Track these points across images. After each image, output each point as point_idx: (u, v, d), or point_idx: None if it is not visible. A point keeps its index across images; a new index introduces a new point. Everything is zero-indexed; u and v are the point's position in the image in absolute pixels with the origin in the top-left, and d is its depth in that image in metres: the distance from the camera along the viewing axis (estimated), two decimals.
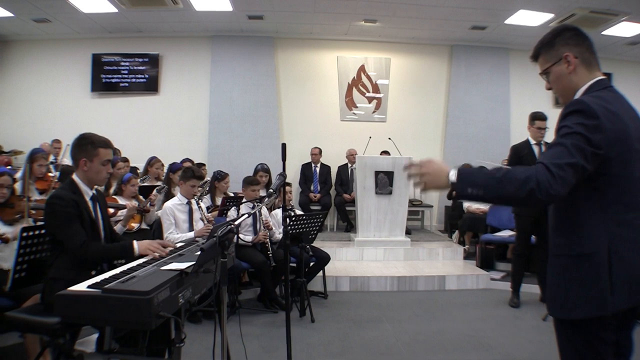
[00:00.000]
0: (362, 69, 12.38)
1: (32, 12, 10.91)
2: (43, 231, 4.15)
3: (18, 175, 6.69)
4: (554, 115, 2.99)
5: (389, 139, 10.36)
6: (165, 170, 8.35)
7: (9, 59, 12.89)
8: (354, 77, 12.36)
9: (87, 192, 3.68)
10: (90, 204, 3.67)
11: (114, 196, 6.52)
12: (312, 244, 6.80)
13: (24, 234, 4.02)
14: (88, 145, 3.64)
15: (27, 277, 4.11)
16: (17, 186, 5.67)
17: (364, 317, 6.31)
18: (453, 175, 2.21)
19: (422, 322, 6.12)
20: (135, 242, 3.50)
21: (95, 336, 3.44)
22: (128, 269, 3.08)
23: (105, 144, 3.69)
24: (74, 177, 3.69)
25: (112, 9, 10.58)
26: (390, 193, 9.01)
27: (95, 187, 3.79)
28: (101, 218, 3.76)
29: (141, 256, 3.43)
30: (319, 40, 12.20)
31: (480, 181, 2.15)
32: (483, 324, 6.07)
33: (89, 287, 2.67)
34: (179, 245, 4.00)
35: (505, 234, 8.36)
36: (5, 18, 11.24)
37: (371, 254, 8.93)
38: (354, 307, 6.77)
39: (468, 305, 6.93)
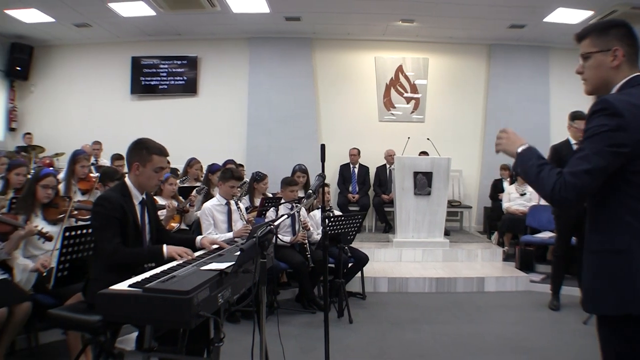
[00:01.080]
0: (399, 69, 12.32)
1: (73, 17, 11.15)
2: (85, 231, 4.22)
3: (61, 176, 6.81)
4: None
5: (428, 139, 10.28)
6: (204, 171, 8.42)
7: (51, 63, 13.17)
8: (392, 78, 12.30)
9: (137, 196, 3.70)
10: (138, 208, 3.69)
11: (154, 197, 6.58)
12: (351, 245, 6.79)
13: (67, 234, 4.09)
14: (143, 150, 3.64)
15: (69, 276, 4.18)
16: (61, 187, 5.76)
17: (402, 318, 6.28)
18: (520, 149, 2.37)
19: (460, 324, 6.07)
20: (164, 247, 3.50)
21: (135, 334, 3.48)
22: (168, 268, 3.11)
23: (160, 151, 3.69)
24: (126, 179, 3.72)
25: (151, 12, 10.73)
26: (429, 194, 8.94)
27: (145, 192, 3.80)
28: (147, 222, 3.77)
29: (170, 260, 3.44)
30: (356, 40, 12.17)
31: (527, 168, 2.31)
32: (522, 326, 5.99)
33: (130, 286, 2.70)
34: (216, 246, 4.02)
35: (545, 235, 8.22)
36: (47, 23, 11.50)
37: (410, 255, 8.88)
38: (392, 308, 6.75)
39: (507, 308, 6.84)
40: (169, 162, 8.21)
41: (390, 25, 11.36)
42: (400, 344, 5.38)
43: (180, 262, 3.35)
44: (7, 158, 6.99)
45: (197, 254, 3.62)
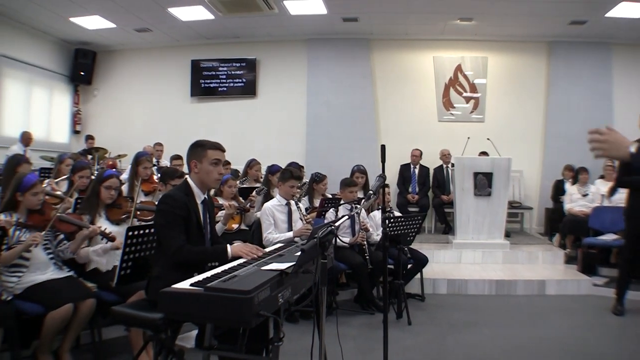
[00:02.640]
0: (458, 68, 12.17)
1: (134, 22, 11.47)
2: (147, 231, 4.30)
3: (123, 177, 6.95)
4: None
5: (488, 139, 10.12)
6: (263, 172, 8.48)
7: (113, 68, 13.52)
8: (451, 77, 12.17)
9: (199, 196, 3.75)
10: (200, 207, 3.74)
11: (213, 197, 6.66)
12: (410, 246, 6.74)
13: (130, 234, 4.17)
14: (198, 148, 3.73)
15: (131, 274, 4.26)
16: (124, 188, 5.89)
17: (462, 320, 6.19)
18: (633, 148, 2.25)
19: (520, 328, 5.93)
20: (228, 246, 3.54)
21: (194, 332, 3.51)
22: (229, 268, 3.14)
23: (215, 146, 3.75)
24: (188, 179, 3.78)
25: (210, 16, 10.90)
26: (489, 194, 8.81)
27: (206, 192, 3.85)
28: (209, 222, 3.83)
29: (234, 258, 3.47)
30: (414, 40, 12.08)
31: None
32: (584, 332, 5.81)
33: (191, 285, 2.72)
34: (277, 245, 4.03)
35: (609, 237, 7.95)
36: (109, 29, 11.85)
37: (469, 257, 8.78)
38: (451, 310, 6.67)
39: (569, 312, 6.66)
40: (229, 163, 8.34)
41: (449, 24, 11.24)
42: (459, 346, 5.30)
43: (244, 261, 3.38)
44: (72, 160, 7.16)
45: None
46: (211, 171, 3.73)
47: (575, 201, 9.12)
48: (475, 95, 12.13)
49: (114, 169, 6.74)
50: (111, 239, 4.55)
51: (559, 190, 10.35)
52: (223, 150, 3.82)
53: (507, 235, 9.50)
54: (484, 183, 8.80)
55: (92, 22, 11.45)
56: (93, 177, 5.74)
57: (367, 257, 6.30)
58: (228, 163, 8.43)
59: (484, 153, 10.56)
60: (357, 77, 12.15)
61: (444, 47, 12.16)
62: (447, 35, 11.91)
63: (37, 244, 4.22)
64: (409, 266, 6.81)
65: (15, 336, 3.98)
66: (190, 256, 3.51)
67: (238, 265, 3.24)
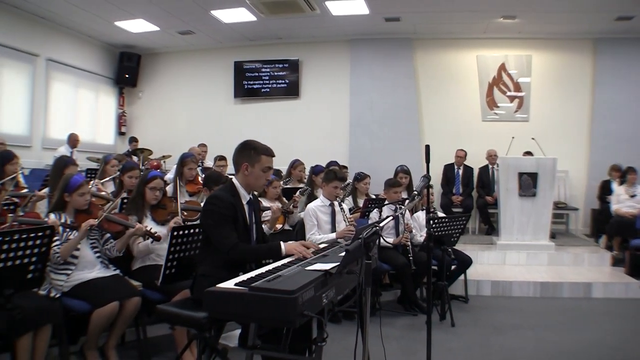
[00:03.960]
0: (502, 67, 12.01)
1: (177, 25, 11.64)
2: (192, 230, 4.35)
3: (168, 178, 7.04)
4: None
5: (533, 139, 9.97)
6: (307, 172, 8.50)
7: (157, 70, 13.73)
8: (494, 76, 12.02)
9: (245, 196, 3.77)
10: (246, 207, 3.76)
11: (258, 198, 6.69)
12: (454, 247, 6.68)
13: (174, 233, 4.23)
14: (251, 151, 3.72)
15: (176, 273, 4.33)
16: (169, 189, 5.96)
17: (506, 323, 6.12)
18: None
19: (565, 332, 5.83)
20: (282, 243, 3.56)
21: (237, 332, 3.54)
22: (273, 268, 3.14)
23: (268, 151, 3.76)
24: (234, 180, 3.80)
25: (252, 18, 10.97)
26: (534, 195, 8.68)
27: (252, 192, 3.87)
28: (254, 222, 3.85)
29: (287, 256, 3.48)
30: (457, 39, 11.97)
31: None
32: (632, 336, 5.69)
33: (236, 284, 2.74)
34: (321, 246, 4.04)
35: None
36: (153, 32, 12.04)
37: (514, 258, 8.67)
38: (495, 312, 6.60)
39: (615, 316, 6.52)
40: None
41: (492, 23, 11.09)
42: (503, 349, 5.24)
43: (288, 261, 3.38)
44: (117, 160, 7.28)
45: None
46: (261, 177, 3.75)
47: (623, 202, 8.92)
48: (519, 94, 11.95)
49: (158, 170, 6.82)
50: (156, 238, 4.61)
51: (605, 190, 10.14)
52: (273, 156, 3.83)
53: (552, 236, 9.35)
54: (528, 183, 8.68)
55: (137, 26, 11.66)
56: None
57: (411, 258, 6.26)
58: None
59: (528, 153, 10.40)
60: (400, 77, 12.08)
61: (487, 45, 12.02)
62: (491, 34, 11.75)
63: (93, 227, 4.36)
64: (453, 267, 6.75)
65: (64, 332, 4.07)
66: (244, 254, 3.56)
67: (282, 265, 3.25)
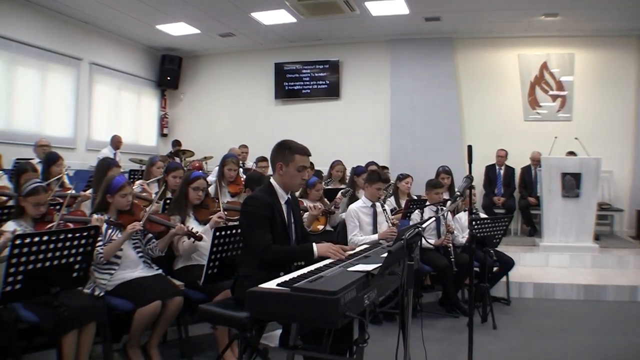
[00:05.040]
0: (544, 66, 11.83)
1: (217, 28, 11.77)
2: (234, 231, 4.38)
3: (210, 178, 7.11)
4: None
5: (576, 138, 9.79)
6: (347, 173, 8.50)
7: (198, 72, 13.89)
8: (536, 75, 11.84)
9: (283, 196, 3.77)
10: (284, 207, 3.76)
11: (299, 199, 6.69)
12: (496, 248, 6.61)
13: (217, 234, 4.26)
14: (286, 151, 3.72)
15: (218, 273, 4.36)
16: (211, 189, 6.02)
17: (548, 326, 6.01)
18: None
19: (610, 336, 5.69)
20: (314, 245, 3.54)
21: (278, 332, 3.55)
22: (315, 269, 3.15)
23: (303, 150, 3.74)
24: (272, 180, 3.80)
25: (292, 19, 11.03)
26: (578, 196, 8.53)
27: (290, 191, 3.87)
28: (293, 222, 3.85)
29: (321, 258, 3.47)
30: (498, 38, 11.83)
31: None
32: None
33: (278, 285, 2.75)
34: (363, 247, 4.02)
35: None
36: (194, 35, 12.21)
37: (556, 260, 8.52)
38: (537, 315, 6.50)
39: None
40: (312, 164, 8.40)
41: (533, 21, 10.93)
42: (545, 353, 5.16)
43: (330, 261, 3.38)
44: (162, 162, 7.37)
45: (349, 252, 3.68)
46: (296, 176, 3.74)
47: None
48: (562, 93, 11.76)
49: (200, 171, 6.89)
50: (198, 238, 4.65)
51: None
52: (309, 155, 3.81)
53: (596, 238, 9.18)
54: (572, 184, 8.53)
55: (178, 29, 11.83)
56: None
57: (452, 259, 6.21)
58: (311, 164, 8.49)
59: (571, 153, 10.21)
60: (440, 77, 12.01)
61: (528, 44, 11.86)
62: (532, 32, 11.59)
63: (137, 230, 4.44)
64: (495, 269, 6.69)
65: (107, 330, 4.14)
66: (277, 256, 3.55)
67: (324, 266, 3.25)
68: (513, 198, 10.88)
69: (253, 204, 3.66)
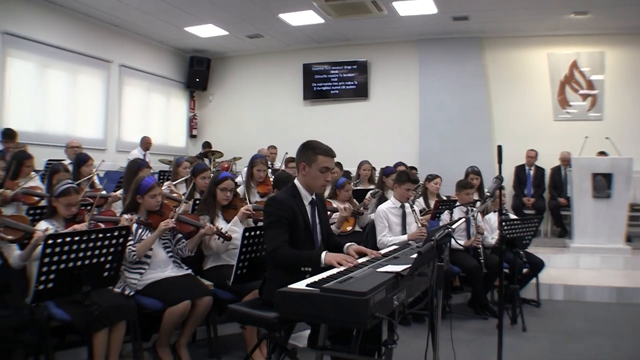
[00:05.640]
0: (574, 64, 11.70)
1: (245, 29, 11.87)
2: (263, 232, 4.40)
3: (239, 179, 7.15)
4: None
5: (607, 138, 9.67)
6: (375, 173, 8.49)
7: (227, 74, 14.00)
8: (566, 74, 11.72)
9: (306, 197, 3.74)
10: (308, 208, 3.74)
11: (328, 199, 6.69)
12: (526, 250, 6.54)
13: (246, 234, 4.28)
14: (309, 151, 3.68)
15: (247, 274, 4.37)
16: (240, 190, 6.05)
17: (579, 329, 5.93)
18: None
19: None
20: (323, 253, 3.43)
21: (307, 332, 3.55)
22: (344, 270, 3.14)
23: (326, 151, 3.69)
24: (296, 181, 3.78)
25: (320, 20, 11.08)
26: (609, 197, 8.41)
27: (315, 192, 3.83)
28: (318, 223, 3.81)
29: (327, 267, 3.34)
30: (527, 37, 11.75)
31: None
32: None
33: (307, 285, 2.76)
34: (392, 247, 4.01)
35: None
36: (222, 37, 12.33)
37: (587, 262, 8.40)
38: (568, 317, 6.40)
39: None
40: (340, 165, 8.40)
41: (562, 19, 10.82)
42: (576, 357, 5.08)
43: (360, 262, 3.36)
44: (189, 162, 7.42)
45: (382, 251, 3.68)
46: (318, 177, 3.69)
47: None
48: (592, 92, 11.62)
49: (228, 172, 6.93)
50: (227, 237, 4.68)
51: None
52: (333, 156, 3.75)
53: (628, 239, 9.05)
54: (602, 184, 8.42)
55: (206, 31, 11.95)
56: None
57: (482, 260, 6.17)
58: (339, 164, 8.49)
59: (602, 153, 10.08)
60: (469, 77, 11.97)
61: (558, 43, 11.74)
62: (561, 31, 11.48)
63: (170, 228, 4.51)
64: (524, 270, 6.60)
65: (137, 329, 4.18)
66: (283, 259, 3.50)
67: (354, 267, 3.23)
68: (543, 199, 10.80)
69: (272, 204, 3.65)
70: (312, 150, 3.68)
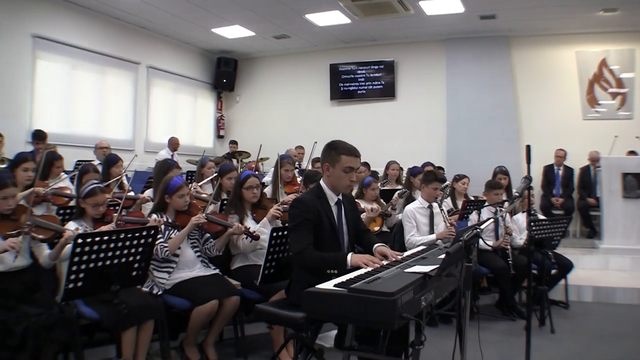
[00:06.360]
0: (602, 62, 11.54)
1: (272, 30, 11.92)
2: None
3: (266, 179, 7.17)
4: None
5: (637, 137, 9.55)
6: (403, 173, 8.47)
7: (254, 74, 14.06)
8: (595, 73, 11.56)
9: (332, 198, 3.72)
10: (334, 209, 3.72)
11: (356, 200, 6.69)
12: (554, 250, 6.47)
13: (274, 234, 4.30)
14: (332, 151, 3.65)
15: (275, 274, 4.39)
16: (268, 190, 6.06)
17: (608, 331, 5.83)
18: None
19: None
20: (349, 255, 3.41)
21: (333, 332, 3.55)
22: (372, 270, 3.13)
23: (350, 151, 3.64)
24: (321, 181, 3.77)
25: (346, 20, 11.08)
26: (639, 197, 8.30)
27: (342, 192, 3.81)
28: (345, 223, 3.78)
29: (353, 268, 3.32)
30: (555, 35, 11.63)
31: None
32: None
33: (335, 286, 2.75)
34: (420, 248, 3.99)
35: None
36: (248, 37, 12.39)
37: (617, 263, 8.29)
38: (597, 319, 6.33)
39: None
40: (368, 165, 8.38)
41: (591, 17, 10.68)
42: (605, 359, 5.02)
43: (387, 262, 3.35)
44: (215, 163, 7.45)
45: (406, 253, 3.67)
46: (343, 177, 3.65)
47: None
48: (621, 90, 11.45)
49: (255, 172, 6.95)
50: (255, 237, 4.70)
51: None
52: (357, 156, 3.71)
53: None
54: (633, 184, 8.31)
55: (233, 32, 12.03)
56: None
57: (510, 261, 6.11)
58: (367, 164, 8.48)
59: (632, 152, 9.96)
60: (497, 76, 11.89)
61: (586, 41, 11.59)
62: (590, 29, 11.33)
63: (202, 223, 4.55)
64: (553, 271, 6.54)
65: (165, 328, 4.24)
66: (308, 262, 3.48)
67: (381, 267, 3.23)
68: (572, 199, 10.69)
69: (297, 206, 3.63)
70: (335, 150, 3.65)
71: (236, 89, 14.32)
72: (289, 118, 13.69)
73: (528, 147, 3.89)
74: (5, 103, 9.03)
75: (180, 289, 4.33)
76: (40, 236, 3.89)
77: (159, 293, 4.31)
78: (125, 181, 6.68)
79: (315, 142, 6.68)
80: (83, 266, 3.46)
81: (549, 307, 5.90)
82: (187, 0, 10.00)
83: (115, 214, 4.41)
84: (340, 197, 3.78)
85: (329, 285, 2.80)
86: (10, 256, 3.61)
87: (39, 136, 8.39)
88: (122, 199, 4.78)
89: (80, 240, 3.41)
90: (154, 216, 4.52)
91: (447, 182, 7.91)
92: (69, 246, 3.67)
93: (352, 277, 2.93)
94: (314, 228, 3.56)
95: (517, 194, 3.52)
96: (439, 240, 5.53)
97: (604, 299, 7.14)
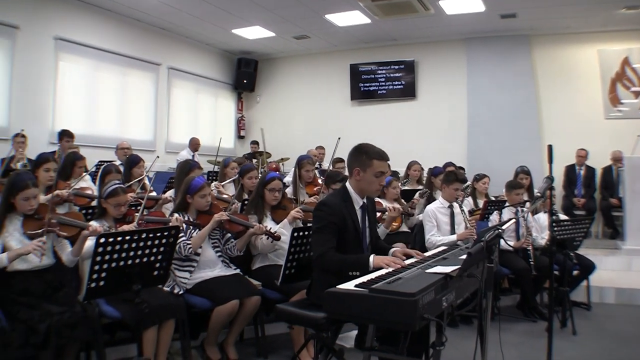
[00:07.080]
0: (625, 61, 11.41)
1: (292, 30, 11.95)
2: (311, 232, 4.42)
3: (287, 180, 7.18)
4: None
5: None
6: (424, 174, 8.45)
7: (274, 75, 14.12)
8: (617, 71, 11.43)
9: (357, 201, 3.70)
10: (359, 213, 3.70)
11: (377, 199, 6.68)
12: (576, 251, 6.42)
13: (294, 234, 4.31)
14: (363, 156, 3.63)
15: (295, 274, 4.39)
16: (288, 190, 6.08)
17: (631, 333, 5.78)
18: None
19: None
20: (371, 257, 3.40)
21: (354, 333, 3.55)
22: (393, 270, 3.14)
23: (380, 156, 3.64)
24: (347, 184, 3.75)
25: (366, 20, 11.09)
26: None
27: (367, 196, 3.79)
28: (367, 227, 3.78)
29: (375, 269, 3.32)
30: (576, 34, 11.53)
31: None
32: None
33: (356, 286, 2.75)
34: (441, 248, 3.98)
35: None
36: (269, 38, 12.44)
37: None
38: (620, 321, 6.25)
39: None
40: (389, 166, 8.37)
41: (613, 14, 10.54)
42: None
43: (408, 263, 3.34)
44: (237, 163, 7.48)
45: (427, 253, 3.67)
46: (374, 182, 3.63)
47: None
48: None
49: (276, 172, 6.97)
50: (276, 237, 4.71)
51: None
52: (387, 160, 3.71)
53: None
54: None
55: (253, 33, 12.07)
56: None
57: (531, 262, 6.07)
58: (388, 166, 8.47)
59: None
60: (518, 75, 11.83)
61: (609, 39, 11.47)
62: (612, 27, 11.20)
63: (224, 221, 4.59)
64: (575, 272, 6.49)
65: (186, 327, 4.25)
66: (330, 264, 3.48)
67: (402, 267, 3.23)
68: (594, 199, 10.61)
69: (322, 209, 3.63)
70: (366, 155, 3.63)
71: (256, 90, 14.39)
72: (309, 118, 13.72)
73: (550, 147, 3.87)
74: (28, 104, 9.14)
75: (201, 289, 4.36)
76: (64, 233, 3.93)
77: (180, 293, 4.35)
78: (147, 181, 6.73)
79: (339, 138, 6.67)
80: (105, 265, 3.48)
81: (571, 308, 5.86)
82: (207, 1, 10.06)
83: (136, 214, 4.44)
84: (365, 200, 3.77)
85: (349, 285, 2.81)
86: (35, 257, 3.66)
87: (68, 134, 8.44)
88: (144, 199, 4.81)
89: (102, 240, 3.43)
90: (176, 215, 4.55)
91: (468, 183, 7.88)
92: (91, 244, 3.70)
93: (373, 277, 2.94)
94: (338, 231, 3.56)
95: (538, 194, 3.51)
96: (460, 241, 5.51)
97: (627, 301, 7.07)
